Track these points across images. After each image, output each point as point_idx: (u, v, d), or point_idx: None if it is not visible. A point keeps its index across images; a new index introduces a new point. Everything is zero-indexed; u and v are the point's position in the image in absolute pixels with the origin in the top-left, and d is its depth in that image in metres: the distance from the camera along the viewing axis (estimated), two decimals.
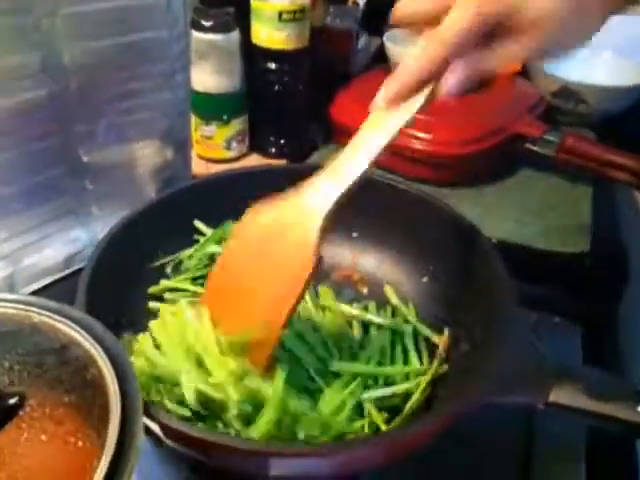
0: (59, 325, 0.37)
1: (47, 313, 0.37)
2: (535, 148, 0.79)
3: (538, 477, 0.47)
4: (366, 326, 0.55)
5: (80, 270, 0.48)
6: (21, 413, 0.32)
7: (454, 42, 0.39)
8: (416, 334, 0.54)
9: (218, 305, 0.45)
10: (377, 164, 0.79)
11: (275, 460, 0.37)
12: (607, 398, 0.39)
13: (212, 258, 0.59)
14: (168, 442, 0.41)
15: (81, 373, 0.34)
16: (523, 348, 0.42)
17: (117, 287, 0.50)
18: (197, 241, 0.61)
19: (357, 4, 0.95)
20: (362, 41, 0.98)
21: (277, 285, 0.43)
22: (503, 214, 0.75)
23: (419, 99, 0.42)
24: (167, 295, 0.57)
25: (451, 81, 0.40)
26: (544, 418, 0.49)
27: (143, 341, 0.46)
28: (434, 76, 0.41)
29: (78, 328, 0.36)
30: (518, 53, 0.41)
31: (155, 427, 0.39)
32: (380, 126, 0.44)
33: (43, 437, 0.31)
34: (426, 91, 0.42)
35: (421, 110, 0.42)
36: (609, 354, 0.62)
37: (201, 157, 0.84)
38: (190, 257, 0.59)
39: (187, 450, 0.41)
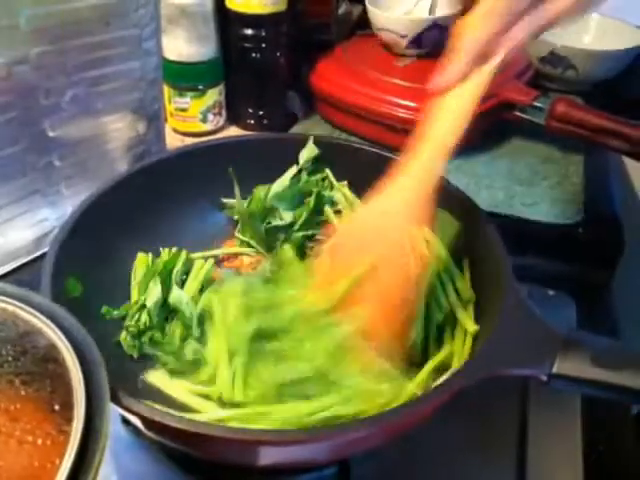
0: (18, 311, 0.34)
1: (4, 299, 0.34)
2: (525, 115, 0.76)
3: (534, 441, 0.47)
4: None
5: None
6: None
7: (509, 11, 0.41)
8: None
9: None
10: (361, 134, 0.77)
11: (264, 449, 0.35)
12: (614, 367, 0.37)
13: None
14: (149, 434, 0.39)
15: (42, 363, 0.31)
16: (524, 318, 0.40)
17: (87, 270, 0.47)
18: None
19: None
20: (343, 7, 0.94)
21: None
22: (492, 184, 0.73)
23: (483, 74, 0.43)
24: None
25: (516, 44, 0.42)
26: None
27: None
28: (492, 50, 0.42)
29: (39, 314, 0.34)
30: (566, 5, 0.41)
31: (134, 419, 0.37)
32: (450, 110, 0.44)
33: None
34: (488, 66, 0.43)
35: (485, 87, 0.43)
36: (604, 326, 0.60)
37: (176, 131, 0.81)
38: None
39: (170, 442, 0.39)
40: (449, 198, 0.53)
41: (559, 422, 0.49)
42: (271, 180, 0.60)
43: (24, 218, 0.59)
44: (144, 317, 0.48)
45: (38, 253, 0.61)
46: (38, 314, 0.33)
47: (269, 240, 0.58)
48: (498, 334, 0.39)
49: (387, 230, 0.45)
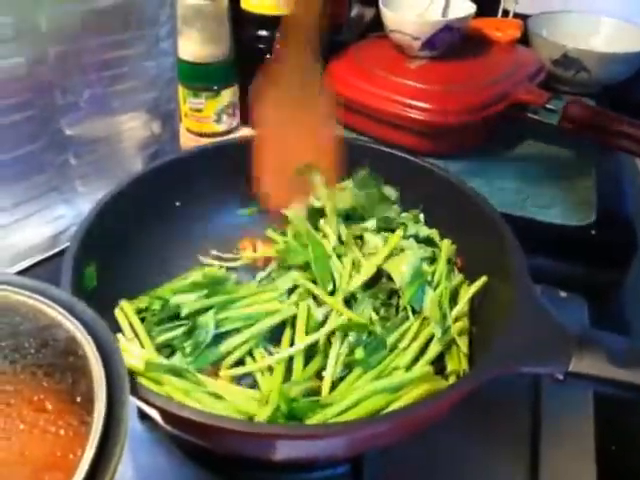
0: (39, 305, 0.34)
1: (25, 292, 0.35)
2: (537, 117, 0.76)
3: (547, 441, 0.47)
4: None
5: (66, 249, 0.45)
6: None
7: None
8: None
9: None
10: (373, 135, 0.77)
11: (282, 443, 0.35)
12: (629, 365, 0.38)
13: None
14: (167, 428, 0.39)
15: (63, 356, 0.32)
16: (540, 317, 0.40)
17: (105, 264, 0.48)
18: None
19: None
20: (356, 9, 0.95)
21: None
22: (505, 185, 0.73)
23: None
24: None
25: None
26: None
27: None
28: None
29: (59, 308, 0.34)
30: None
31: (153, 413, 0.37)
32: None
33: (21, 426, 0.28)
34: None
35: None
36: (616, 327, 0.60)
37: (190, 131, 0.81)
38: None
39: (187, 436, 0.39)
40: (463, 197, 0.54)
41: (572, 422, 0.49)
42: None
43: (40, 215, 0.59)
44: (158, 304, 0.49)
45: (54, 250, 0.62)
46: (58, 307, 0.34)
47: None
48: (514, 332, 0.40)
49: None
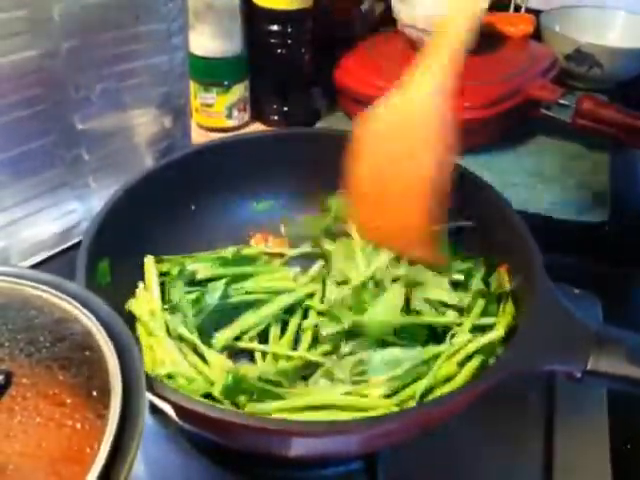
0: (53, 299, 0.34)
1: (40, 286, 0.35)
2: (550, 113, 0.76)
3: (561, 440, 0.47)
4: None
5: (77, 244, 0.46)
6: (13, 393, 0.29)
7: None
8: None
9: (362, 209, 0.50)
10: None
11: (297, 440, 0.35)
12: None
13: None
14: (181, 423, 0.39)
15: (78, 350, 0.32)
16: (560, 315, 0.40)
17: (117, 259, 0.48)
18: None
19: None
20: (366, 4, 0.94)
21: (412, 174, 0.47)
22: (518, 182, 0.73)
23: None
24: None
25: None
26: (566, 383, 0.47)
27: None
28: None
29: (74, 302, 0.34)
30: None
31: (167, 408, 0.37)
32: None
33: (38, 419, 0.28)
34: None
35: None
36: (629, 324, 0.59)
37: (201, 126, 0.81)
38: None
39: (202, 431, 0.39)
40: (479, 194, 0.53)
41: (586, 421, 0.49)
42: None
43: (52, 210, 0.59)
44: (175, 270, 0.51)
45: (65, 245, 0.62)
46: (73, 302, 0.34)
47: None
48: (532, 331, 0.39)
49: (420, 115, 0.48)
